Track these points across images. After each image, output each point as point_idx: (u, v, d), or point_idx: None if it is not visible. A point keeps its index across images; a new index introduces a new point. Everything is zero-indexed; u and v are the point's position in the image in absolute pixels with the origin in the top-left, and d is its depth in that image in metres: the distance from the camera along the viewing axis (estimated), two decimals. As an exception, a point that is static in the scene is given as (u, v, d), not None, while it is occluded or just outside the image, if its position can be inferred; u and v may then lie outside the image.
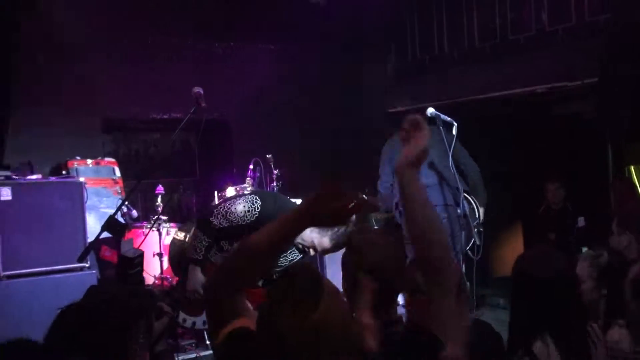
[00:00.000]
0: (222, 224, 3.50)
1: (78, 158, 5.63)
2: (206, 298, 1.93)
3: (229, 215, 3.50)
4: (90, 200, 5.18)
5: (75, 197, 4.90)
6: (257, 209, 3.54)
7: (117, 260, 4.36)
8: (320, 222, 1.90)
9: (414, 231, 1.84)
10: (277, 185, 5.74)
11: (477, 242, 5.10)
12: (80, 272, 4.78)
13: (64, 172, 5.47)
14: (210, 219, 3.55)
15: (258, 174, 5.77)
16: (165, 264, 5.36)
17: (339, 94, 7.15)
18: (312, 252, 3.69)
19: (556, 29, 5.73)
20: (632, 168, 5.44)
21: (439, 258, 1.83)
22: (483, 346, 2.59)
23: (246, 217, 3.48)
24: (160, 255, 5.43)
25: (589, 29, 5.44)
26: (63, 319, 1.99)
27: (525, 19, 6.00)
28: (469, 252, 5.13)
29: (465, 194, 5.20)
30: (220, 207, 3.62)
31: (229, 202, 3.66)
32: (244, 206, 3.55)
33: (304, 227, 1.84)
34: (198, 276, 3.54)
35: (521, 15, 6.05)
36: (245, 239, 1.86)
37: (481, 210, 5.18)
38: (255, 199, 3.61)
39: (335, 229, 3.41)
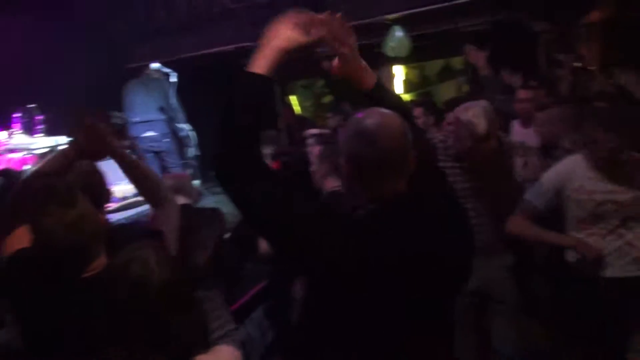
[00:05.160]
0: None
1: None
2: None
3: None
4: None
5: None
6: None
7: None
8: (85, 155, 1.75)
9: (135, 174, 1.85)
10: (41, 128, 5.21)
11: (198, 153, 5.47)
12: None
13: None
14: None
15: (26, 120, 5.18)
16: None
17: (95, 54, 6.50)
18: None
19: (237, 6, 5.82)
20: (290, 97, 6.21)
21: (156, 184, 1.88)
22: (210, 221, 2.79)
23: None
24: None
25: (256, 7, 5.58)
26: None
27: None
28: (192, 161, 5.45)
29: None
30: None
31: None
32: None
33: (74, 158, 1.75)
34: None
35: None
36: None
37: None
38: None
39: None
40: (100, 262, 1.47)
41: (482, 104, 2.39)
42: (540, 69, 4.73)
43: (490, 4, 4.70)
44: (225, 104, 1.23)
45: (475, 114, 2.29)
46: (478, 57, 3.61)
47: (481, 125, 2.27)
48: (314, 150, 2.63)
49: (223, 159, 1.22)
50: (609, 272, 2.31)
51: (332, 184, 2.50)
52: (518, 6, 4.55)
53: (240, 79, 1.23)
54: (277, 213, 1.19)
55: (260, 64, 1.21)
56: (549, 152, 2.94)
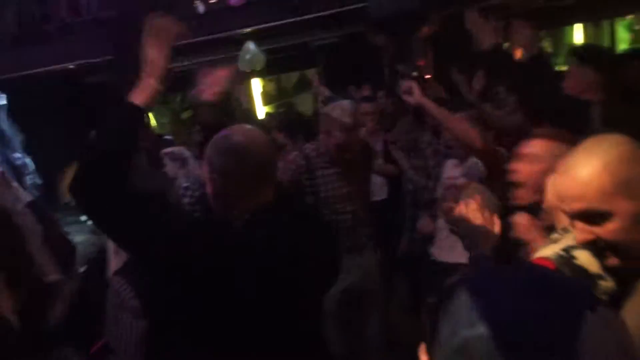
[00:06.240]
0: None
1: None
2: None
3: None
4: None
5: None
6: None
7: None
8: None
9: None
10: None
11: (38, 182, 4.91)
12: None
13: None
14: None
15: None
16: None
17: None
18: None
19: (75, 21, 5.47)
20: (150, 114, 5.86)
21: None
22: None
23: None
24: None
25: (98, 22, 5.32)
26: None
27: (53, 14, 5.55)
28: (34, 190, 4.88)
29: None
30: None
31: None
32: None
33: None
34: None
35: (50, 11, 5.58)
36: None
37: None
38: None
39: None
40: None
41: (345, 102, 2.65)
42: (384, 80, 5.11)
43: (336, 19, 4.98)
44: (101, 132, 1.28)
45: (341, 107, 2.55)
46: (319, 88, 3.81)
47: (346, 115, 2.50)
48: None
49: (97, 185, 1.20)
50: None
51: None
52: (361, 21, 4.88)
53: (120, 110, 1.27)
54: (157, 231, 1.21)
55: (141, 95, 1.26)
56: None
